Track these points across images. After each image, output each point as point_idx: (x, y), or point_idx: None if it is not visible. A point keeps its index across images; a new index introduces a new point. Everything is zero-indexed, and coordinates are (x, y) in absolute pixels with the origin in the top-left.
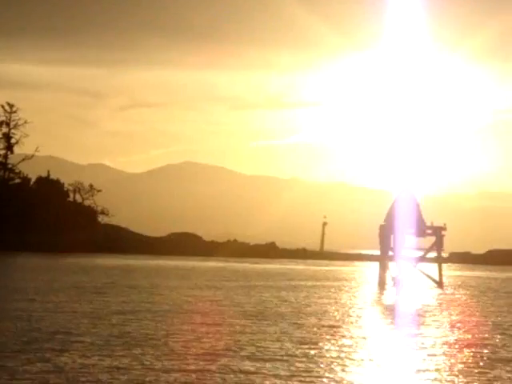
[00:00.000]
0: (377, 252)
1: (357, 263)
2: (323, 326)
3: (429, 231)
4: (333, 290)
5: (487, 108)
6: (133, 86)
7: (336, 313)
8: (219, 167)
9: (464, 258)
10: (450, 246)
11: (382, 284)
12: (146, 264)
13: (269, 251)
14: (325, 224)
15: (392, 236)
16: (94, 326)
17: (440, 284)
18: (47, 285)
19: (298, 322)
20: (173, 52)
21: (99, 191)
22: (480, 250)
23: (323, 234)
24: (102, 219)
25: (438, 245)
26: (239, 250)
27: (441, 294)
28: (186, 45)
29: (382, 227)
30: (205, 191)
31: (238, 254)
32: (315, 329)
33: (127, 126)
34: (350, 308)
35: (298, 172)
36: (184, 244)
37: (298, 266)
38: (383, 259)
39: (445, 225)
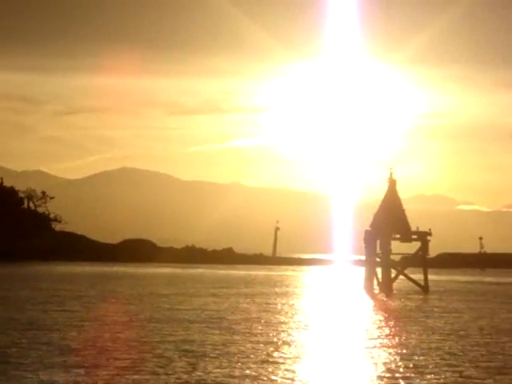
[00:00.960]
0: (323, 256)
1: (307, 267)
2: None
3: (414, 236)
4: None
5: (414, 112)
6: (69, 92)
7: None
8: (157, 173)
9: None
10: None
11: (368, 289)
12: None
13: (226, 256)
14: (277, 229)
15: (378, 241)
16: None
17: (425, 289)
18: None
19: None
20: (108, 58)
21: (52, 198)
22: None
23: (275, 239)
24: (55, 226)
25: (424, 250)
26: (197, 255)
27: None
28: (122, 50)
29: (367, 232)
30: (143, 197)
31: (196, 259)
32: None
33: (63, 131)
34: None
35: (238, 177)
36: (140, 250)
37: (255, 272)
38: (369, 264)
39: (430, 230)
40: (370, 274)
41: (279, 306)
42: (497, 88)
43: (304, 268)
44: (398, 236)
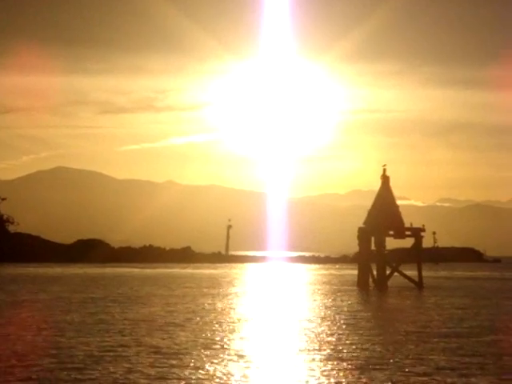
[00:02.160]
0: (260, 253)
1: (246, 265)
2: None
3: (408, 233)
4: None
5: (349, 109)
6: None
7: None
8: (92, 172)
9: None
10: (393, 245)
11: (363, 285)
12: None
13: (185, 256)
14: (229, 227)
15: (372, 238)
16: None
17: (419, 285)
18: None
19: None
20: (37, 57)
21: (4, 199)
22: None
23: (228, 238)
24: (7, 227)
25: (418, 246)
26: (156, 255)
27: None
28: (51, 49)
29: (360, 230)
30: (78, 196)
31: (155, 259)
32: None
33: None
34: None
35: (172, 175)
36: (95, 251)
37: (212, 271)
38: (363, 261)
39: (423, 226)
40: (365, 271)
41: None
42: (430, 84)
43: (245, 265)
44: (391, 233)
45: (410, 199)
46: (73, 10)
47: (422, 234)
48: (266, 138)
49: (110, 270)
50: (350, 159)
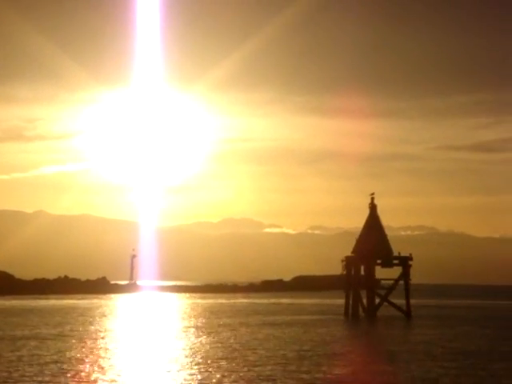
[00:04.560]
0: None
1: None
2: None
3: (395, 261)
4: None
5: (220, 138)
6: None
7: None
8: None
9: (277, 286)
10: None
11: (354, 314)
12: None
13: (101, 286)
14: (134, 257)
15: (362, 267)
16: None
17: (408, 313)
18: None
19: None
20: None
21: None
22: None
23: (132, 267)
24: None
25: (405, 275)
26: (71, 286)
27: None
28: None
29: (348, 258)
30: None
31: (71, 290)
32: None
33: None
34: None
35: (43, 205)
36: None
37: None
38: (350, 289)
39: (410, 255)
40: (355, 300)
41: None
42: (301, 112)
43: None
44: (379, 261)
45: (281, 227)
46: None
47: (410, 262)
48: (137, 167)
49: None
50: (223, 188)
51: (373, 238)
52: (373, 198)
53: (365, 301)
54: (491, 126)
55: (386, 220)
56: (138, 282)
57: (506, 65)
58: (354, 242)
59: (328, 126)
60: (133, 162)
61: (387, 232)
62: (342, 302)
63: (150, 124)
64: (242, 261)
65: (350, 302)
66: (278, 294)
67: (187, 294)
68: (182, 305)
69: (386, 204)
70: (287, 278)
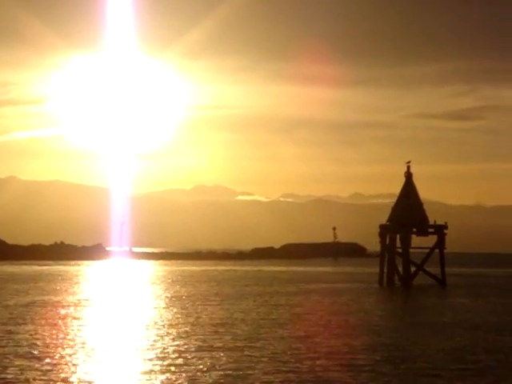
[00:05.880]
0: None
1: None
2: None
3: (431, 230)
4: None
5: (193, 104)
6: None
7: None
8: None
9: (267, 253)
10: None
11: (389, 282)
12: None
13: (96, 252)
14: (123, 223)
15: (398, 235)
16: None
17: (443, 282)
18: None
19: None
20: None
21: None
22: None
23: (121, 234)
24: None
25: (441, 243)
26: (66, 252)
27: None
28: None
29: (382, 227)
30: None
31: (66, 256)
32: None
33: None
34: None
35: (15, 171)
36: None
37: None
38: (386, 257)
39: (446, 223)
40: (391, 268)
41: None
42: (273, 80)
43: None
44: (414, 230)
45: (254, 195)
46: None
47: (445, 231)
48: (109, 133)
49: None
50: (195, 155)
51: (408, 207)
52: (409, 167)
53: (400, 269)
54: (466, 94)
55: (358, 188)
56: (126, 248)
57: (480, 33)
58: (327, 209)
59: (301, 94)
60: (104, 128)
61: (358, 200)
62: (350, 269)
63: (121, 90)
64: (214, 228)
65: (385, 270)
66: (271, 261)
67: (176, 261)
68: (198, 272)
69: (357, 172)
70: (261, 245)
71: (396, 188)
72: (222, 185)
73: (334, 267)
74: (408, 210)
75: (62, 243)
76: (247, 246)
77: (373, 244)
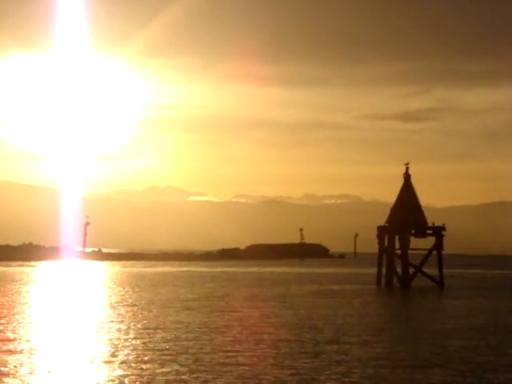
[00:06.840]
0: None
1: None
2: None
3: (429, 231)
4: None
5: (146, 104)
6: None
7: None
8: None
9: (233, 254)
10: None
11: (386, 283)
12: None
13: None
14: (87, 224)
15: (397, 237)
16: None
17: (441, 284)
18: None
19: None
20: None
21: None
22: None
23: (85, 235)
24: None
25: (439, 245)
26: (34, 252)
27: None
28: None
29: (380, 228)
30: None
31: (34, 257)
32: None
33: None
34: None
35: None
36: None
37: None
38: (384, 259)
39: (444, 225)
40: (389, 269)
41: None
42: (229, 80)
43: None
44: (412, 231)
45: (206, 195)
46: None
47: (443, 232)
48: (59, 133)
49: None
50: (148, 155)
51: (407, 208)
52: (407, 168)
53: (399, 270)
54: (418, 95)
55: (310, 189)
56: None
57: (432, 33)
58: (280, 210)
59: (255, 95)
60: (54, 128)
61: (311, 201)
62: (331, 271)
63: (71, 89)
64: (164, 229)
65: (383, 271)
66: (239, 262)
67: (136, 262)
68: (155, 274)
69: (309, 172)
70: (213, 247)
71: (349, 188)
72: (175, 185)
73: (321, 268)
74: (407, 211)
75: (31, 243)
76: (200, 247)
77: (333, 245)
